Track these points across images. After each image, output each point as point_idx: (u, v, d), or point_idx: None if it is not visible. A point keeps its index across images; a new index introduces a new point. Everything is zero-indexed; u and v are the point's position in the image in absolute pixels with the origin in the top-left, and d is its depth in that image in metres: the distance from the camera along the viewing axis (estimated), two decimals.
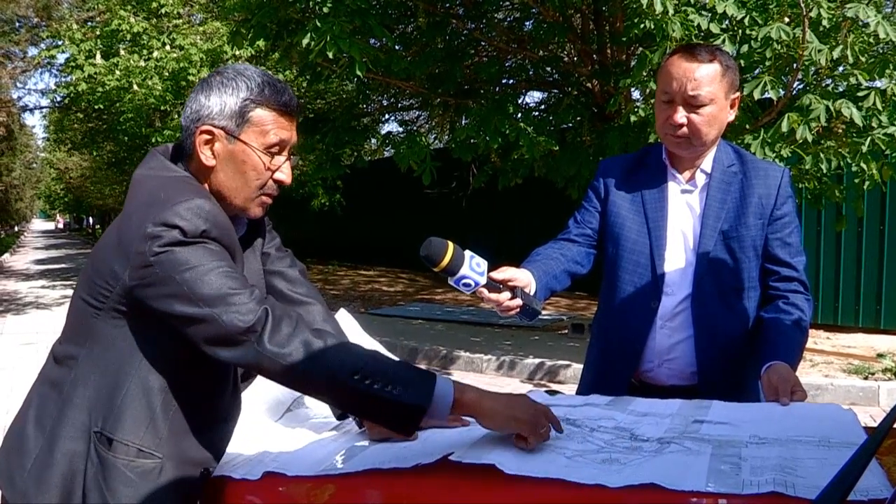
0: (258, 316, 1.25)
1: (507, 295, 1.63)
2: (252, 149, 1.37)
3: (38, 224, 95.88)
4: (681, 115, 1.79)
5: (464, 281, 1.55)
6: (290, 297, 1.62)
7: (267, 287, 1.58)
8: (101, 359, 1.33)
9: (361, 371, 1.24)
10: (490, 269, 1.60)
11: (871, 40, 4.15)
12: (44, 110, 25.50)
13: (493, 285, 1.61)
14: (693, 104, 1.78)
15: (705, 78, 1.76)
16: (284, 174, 1.42)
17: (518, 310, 1.65)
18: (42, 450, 1.33)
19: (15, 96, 20.27)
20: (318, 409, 1.73)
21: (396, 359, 1.35)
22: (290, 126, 1.41)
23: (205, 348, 1.27)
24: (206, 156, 1.37)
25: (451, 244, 1.52)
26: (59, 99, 17.07)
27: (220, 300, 1.24)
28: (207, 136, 1.37)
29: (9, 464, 1.36)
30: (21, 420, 1.39)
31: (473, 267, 1.55)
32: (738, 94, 1.87)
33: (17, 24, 18.60)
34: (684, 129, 1.80)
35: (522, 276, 1.70)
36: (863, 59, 4.08)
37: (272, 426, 1.64)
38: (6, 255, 25.85)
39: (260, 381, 1.69)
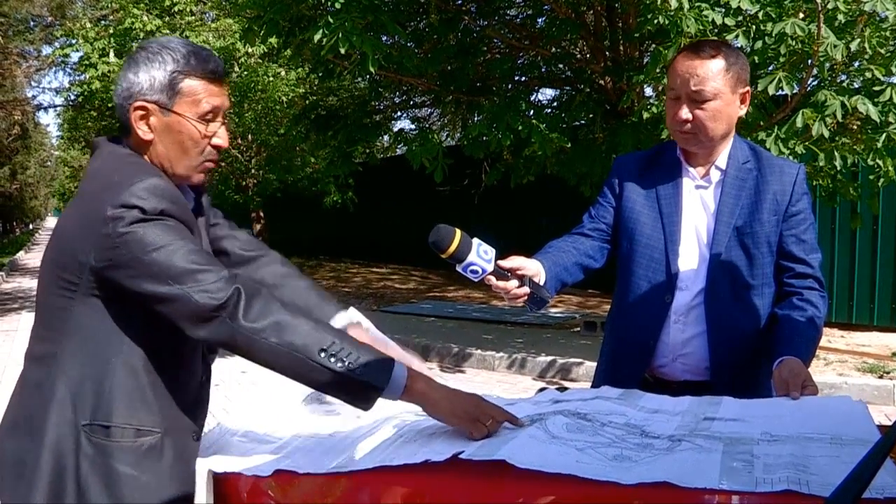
0: (230, 293, 1.29)
1: (514, 283, 1.63)
2: (186, 119, 1.40)
3: (52, 222, 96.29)
4: (685, 111, 1.80)
5: (471, 268, 1.56)
6: (245, 255, 1.66)
7: (220, 250, 1.63)
8: (82, 349, 1.34)
9: (328, 349, 1.30)
10: (499, 259, 1.61)
11: (887, 34, 4.11)
12: (58, 109, 25.70)
13: (501, 273, 1.61)
14: (697, 99, 1.79)
15: (709, 73, 1.77)
16: (221, 139, 1.45)
17: (526, 297, 1.65)
18: (31, 455, 1.30)
19: (29, 95, 20.48)
20: (331, 406, 1.73)
21: (362, 340, 1.40)
22: (220, 92, 1.44)
23: (179, 325, 1.31)
24: (143, 130, 1.40)
25: (458, 231, 1.54)
26: (72, 97, 17.17)
27: (190, 277, 1.27)
28: (142, 112, 1.39)
29: (14, 484, 1.32)
30: (6, 432, 1.37)
31: (481, 254, 1.56)
32: (747, 88, 1.87)
33: (32, 23, 18.77)
34: (689, 124, 1.81)
35: (531, 265, 1.70)
36: (881, 52, 4.04)
37: (282, 423, 1.65)
38: (21, 253, 26.08)
39: (266, 381, 1.69)
